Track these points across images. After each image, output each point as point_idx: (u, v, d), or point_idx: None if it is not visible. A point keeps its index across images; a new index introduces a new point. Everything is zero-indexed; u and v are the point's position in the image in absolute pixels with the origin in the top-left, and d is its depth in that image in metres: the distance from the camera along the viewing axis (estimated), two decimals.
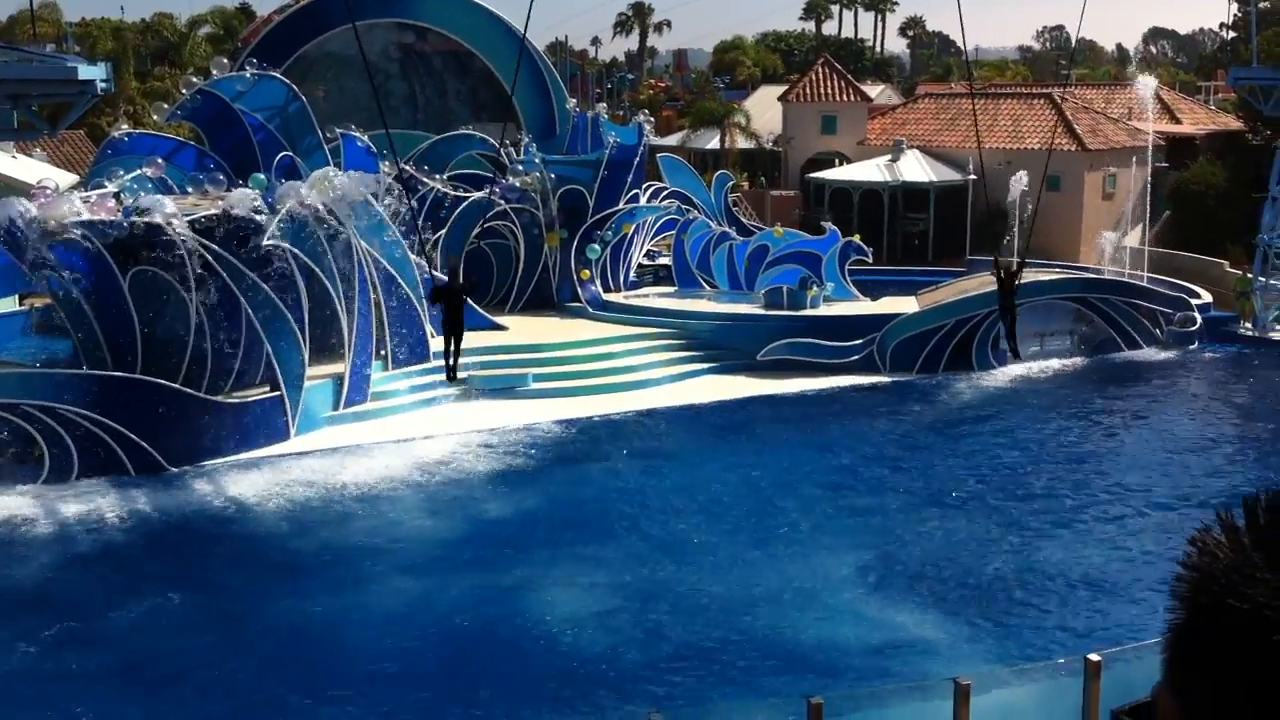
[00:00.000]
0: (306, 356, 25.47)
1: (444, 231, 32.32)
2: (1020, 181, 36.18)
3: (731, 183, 40.90)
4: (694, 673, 16.08)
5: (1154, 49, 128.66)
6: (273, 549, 20.53)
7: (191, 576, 19.36)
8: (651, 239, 37.91)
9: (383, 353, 27.70)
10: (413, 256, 27.82)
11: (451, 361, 21.49)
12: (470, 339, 24.53)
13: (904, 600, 18.20)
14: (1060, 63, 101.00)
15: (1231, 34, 68.00)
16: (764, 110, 54.94)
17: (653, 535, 20.82)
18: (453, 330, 21.31)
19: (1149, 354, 33.76)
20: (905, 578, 19.08)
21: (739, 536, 20.70)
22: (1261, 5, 43.08)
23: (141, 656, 16.64)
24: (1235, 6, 61.74)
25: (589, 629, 17.18)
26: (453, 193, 33.01)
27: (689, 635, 17.00)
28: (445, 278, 20.87)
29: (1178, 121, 50.51)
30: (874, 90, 58.60)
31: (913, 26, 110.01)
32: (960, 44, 32.85)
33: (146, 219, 23.67)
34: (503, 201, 32.39)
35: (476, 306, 26.72)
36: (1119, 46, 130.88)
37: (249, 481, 23.20)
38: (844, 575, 19.04)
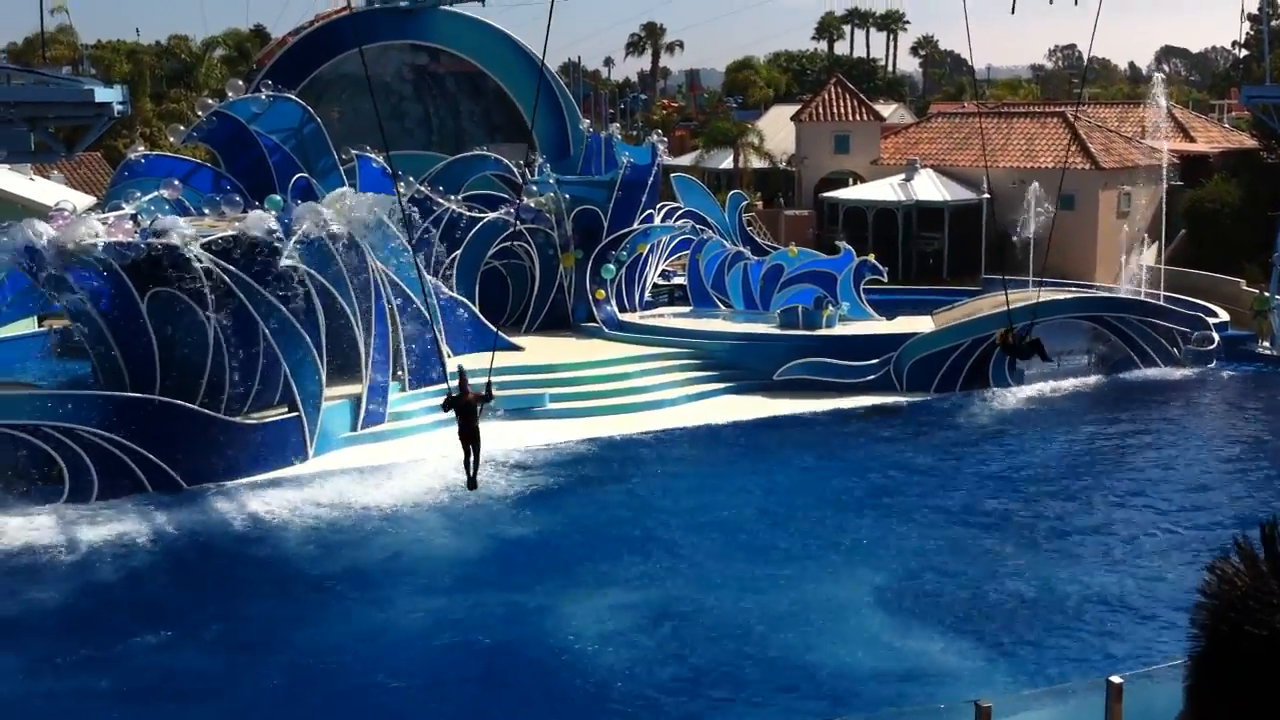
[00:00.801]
0: (324, 377, 25.54)
1: (459, 252, 32.42)
2: (1033, 196, 36.17)
3: (745, 202, 40.94)
4: (713, 695, 16.04)
5: (1166, 68, 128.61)
6: (293, 569, 20.54)
7: (213, 597, 19.39)
8: (666, 259, 37.96)
9: (399, 373, 27.77)
10: (429, 277, 27.86)
11: (471, 472, 21.12)
12: (486, 360, 24.58)
13: (922, 622, 18.11)
14: (1073, 81, 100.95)
15: (1244, 52, 67.95)
16: (777, 130, 55.00)
17: (670, 555, 20.77)
18: (470, 439, 20.86)
19: (1167, 373, 33.57)
20: (923, 599, 19.00)
21: (757, 557, 20.64)
22: (1275, 23, 42.99)
23: (164, 677, 16.65)
24: (1248, 25, 61.70)
25: (608, 648, 17.14)
26: (468, 213, 33.09)
27: (707, 657, 16.96)
28: (457, 387, 20.20)
29: (1192, 140, 50.42)
30: (887, 109, 58.62)
31: (925, 46, 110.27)
32: (971, 63, 32.79)
33: (164, 240, 23.79)
34: (518, 222, 32.50)
35: (493, 327, 26.57)
36: (1132, 65, 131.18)
37: (267, 502, 23.24)
38: (862, 597, 18.96)
